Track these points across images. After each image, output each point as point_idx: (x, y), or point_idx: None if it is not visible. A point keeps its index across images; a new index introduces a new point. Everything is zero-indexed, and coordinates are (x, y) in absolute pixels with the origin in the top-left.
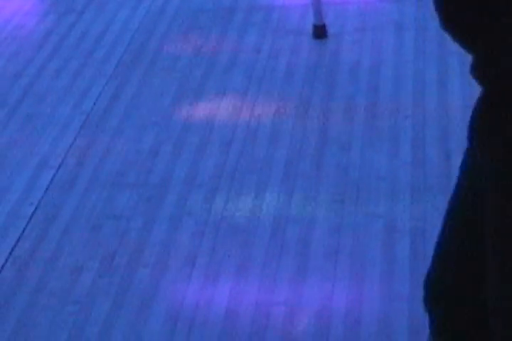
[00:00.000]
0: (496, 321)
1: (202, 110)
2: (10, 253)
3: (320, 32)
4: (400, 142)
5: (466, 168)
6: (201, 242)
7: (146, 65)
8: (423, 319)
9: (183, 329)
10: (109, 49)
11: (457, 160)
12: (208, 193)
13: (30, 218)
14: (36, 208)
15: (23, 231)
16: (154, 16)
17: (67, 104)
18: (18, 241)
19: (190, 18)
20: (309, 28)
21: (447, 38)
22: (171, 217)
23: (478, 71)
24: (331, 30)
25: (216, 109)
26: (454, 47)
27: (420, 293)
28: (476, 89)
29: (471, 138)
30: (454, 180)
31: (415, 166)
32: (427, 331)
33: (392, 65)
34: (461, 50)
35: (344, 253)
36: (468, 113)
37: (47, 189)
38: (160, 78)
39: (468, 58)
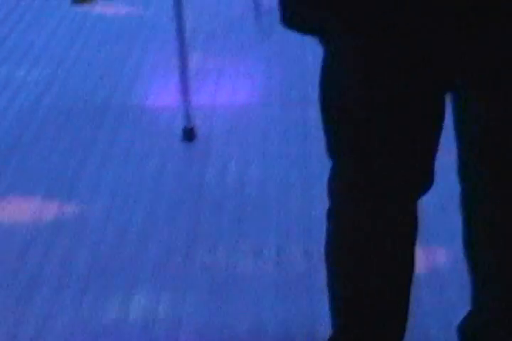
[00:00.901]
0: None
1: (72, 210)
2: None
3: (189, 134)
4: (264, 241)
5: None
6: None
7: (16, 164)
8: None
9: None
10: None
11: (322, 264)
12: (77, 294)
13: None
14: None
15: None
16: (25, 116)
17: None
18: None
19: (61, 117)
20: (179, 130)
21: (311, 142)
22: (38, 320)
23: None
24: (199, 133)
25: (87, 209)
26: (315, 150)
27: None
28: None
29: None
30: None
31: (280, 265)
32: None
33: (259, 167)
34: (323, 154)
35: None
36: None
37: None
38: (30, 177)
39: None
